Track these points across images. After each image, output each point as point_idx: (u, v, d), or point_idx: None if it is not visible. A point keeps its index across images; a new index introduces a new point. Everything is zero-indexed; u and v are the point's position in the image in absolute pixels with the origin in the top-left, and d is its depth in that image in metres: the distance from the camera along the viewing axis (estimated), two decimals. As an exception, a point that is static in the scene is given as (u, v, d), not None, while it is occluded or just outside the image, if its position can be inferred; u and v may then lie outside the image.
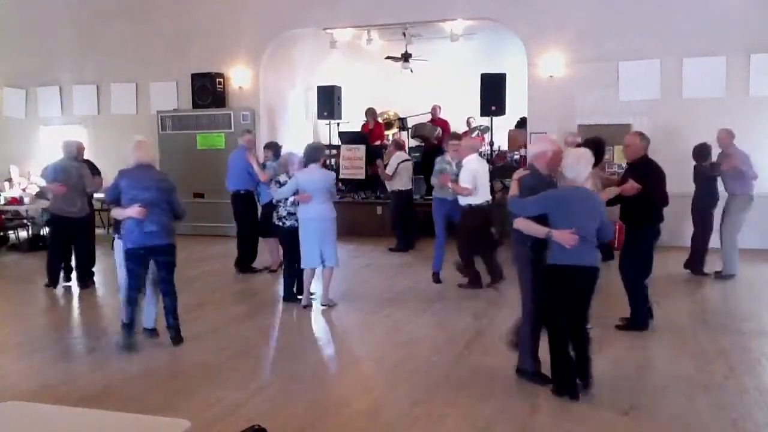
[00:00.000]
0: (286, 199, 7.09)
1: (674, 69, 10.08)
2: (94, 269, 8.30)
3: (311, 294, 7.10)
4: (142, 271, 5.69)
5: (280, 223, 7.28)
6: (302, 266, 6.97)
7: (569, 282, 4.47)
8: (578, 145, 6.29)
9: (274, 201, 7.41)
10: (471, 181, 7.34)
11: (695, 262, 8.23)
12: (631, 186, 5.78)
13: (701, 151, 8.05)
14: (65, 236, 7.93)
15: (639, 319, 6.03)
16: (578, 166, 4.50)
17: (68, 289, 8.06)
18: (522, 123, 11.95)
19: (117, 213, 5.66)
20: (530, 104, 10.93)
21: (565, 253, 4.38)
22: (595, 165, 6.01)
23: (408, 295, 7.55)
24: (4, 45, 13.77)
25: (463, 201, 7.49)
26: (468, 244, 7.65)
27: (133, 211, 5.47)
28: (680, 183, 9.76)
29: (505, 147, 12.95)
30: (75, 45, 13.28)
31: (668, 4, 10.06)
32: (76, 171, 7.72)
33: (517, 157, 12.29)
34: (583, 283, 4.51)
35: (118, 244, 5.80)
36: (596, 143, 6.28)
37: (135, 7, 12.80)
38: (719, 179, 8.02)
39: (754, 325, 6.23)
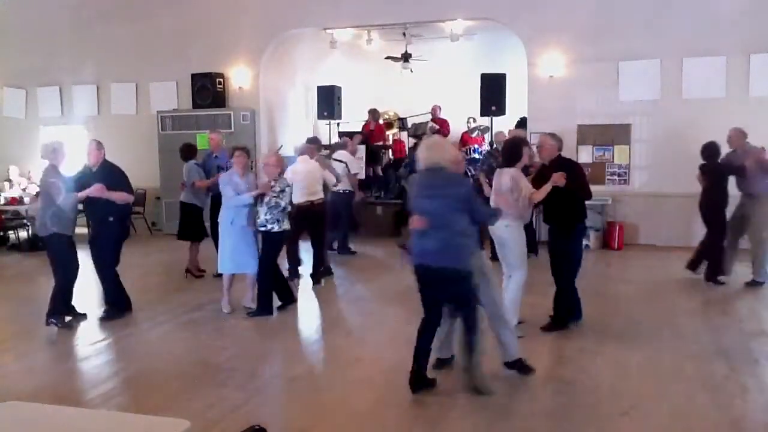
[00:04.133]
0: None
1: (674, 69, 10.08)
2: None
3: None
4: None
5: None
6: None
7: None
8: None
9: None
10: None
11: (710, 266, 7.81)
12: (558, 176, 5.58)
13: (711, 149, 7.71)
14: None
15: (563, 318, 5.98)
16: None
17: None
18: (522, 123, 11.93)
19: None
20: (530, 104, 10.93)
21: None
22: (513, 165, 5.73)
23: (408, 295, 7.52)
24: (4, 45, 13.78)
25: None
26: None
27: None
28: (680, 183, 9.83)
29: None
30: (75, 45, 13.28)
31: (668, 4, 10.06)
32: None
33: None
34: None
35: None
36: (514, 144, 6.00)
37: (135, 7, 12.80)
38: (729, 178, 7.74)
39: (754, 325, 6.23)
